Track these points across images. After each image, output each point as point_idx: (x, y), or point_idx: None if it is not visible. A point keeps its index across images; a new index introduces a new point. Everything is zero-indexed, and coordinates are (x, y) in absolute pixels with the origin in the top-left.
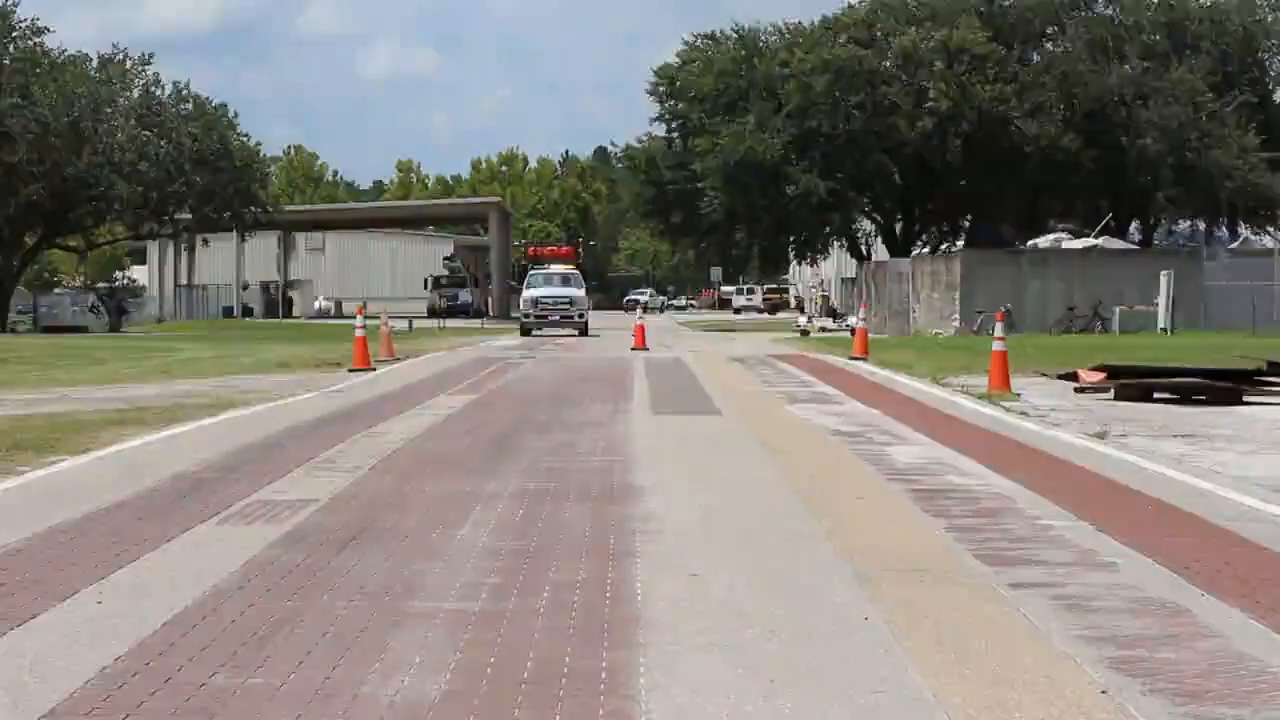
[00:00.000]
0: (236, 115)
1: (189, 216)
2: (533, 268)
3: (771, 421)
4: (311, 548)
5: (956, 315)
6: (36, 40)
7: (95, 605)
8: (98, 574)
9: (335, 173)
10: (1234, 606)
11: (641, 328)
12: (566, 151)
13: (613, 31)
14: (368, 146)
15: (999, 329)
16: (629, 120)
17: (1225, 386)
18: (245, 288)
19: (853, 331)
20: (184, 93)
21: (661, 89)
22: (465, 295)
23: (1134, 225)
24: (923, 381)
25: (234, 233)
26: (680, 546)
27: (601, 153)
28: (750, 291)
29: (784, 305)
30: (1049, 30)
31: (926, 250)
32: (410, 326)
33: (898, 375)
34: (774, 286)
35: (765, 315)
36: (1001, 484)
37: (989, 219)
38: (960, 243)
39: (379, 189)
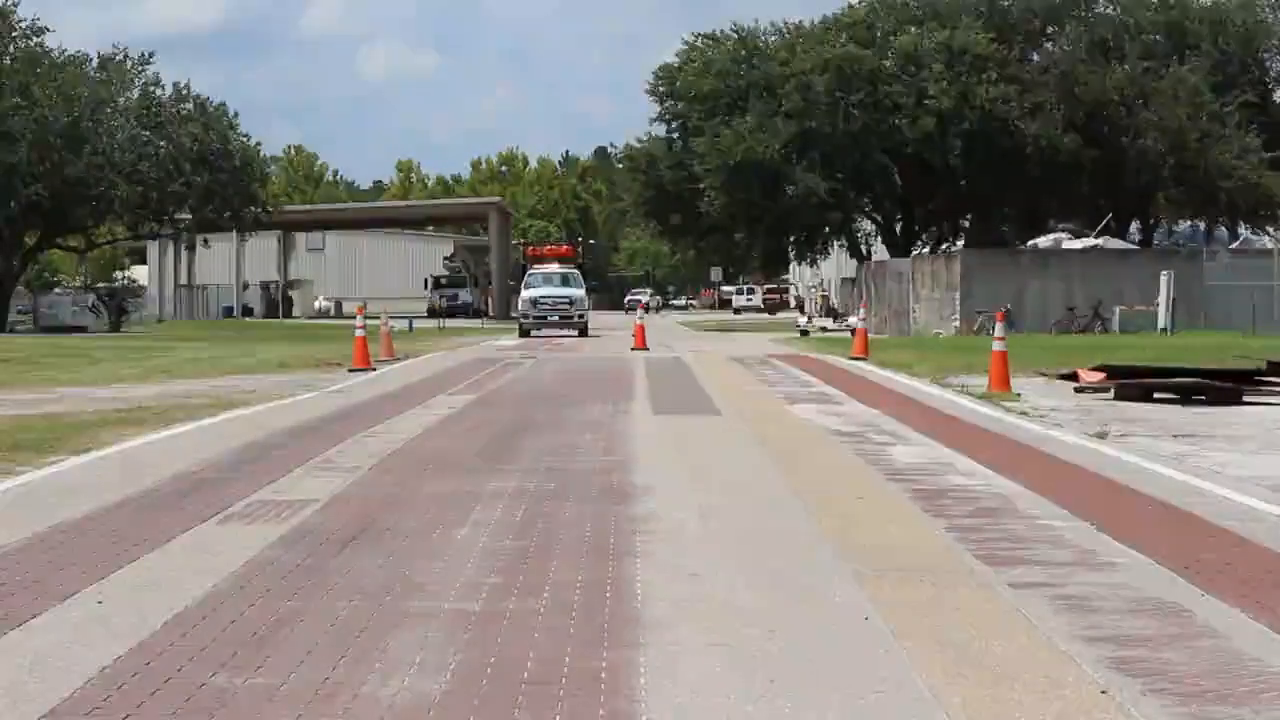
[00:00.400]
0: (236, 115)
1: (189, 216)
2: (532, 267)
3: (772, 422)
4: (311, 548)
5: (956, 315)
6: (36, 40)
7: (95, 605)
8: (98, 574)
9: (335, 173)
10: (1234, 606)
11: (642, 328)
12: (566, 151)
13: (613, 31)
14: (368, 146)
15: (999, 329)
16: (629, 120)
17: (1225, 387)
18: (245, 288)
19: (853, 331)
20: (184, 93)
21: (661, 89)
22: (465, 295)
23: (1134, 225)
24: (923, 381)
25: (234, 233)
26: (680, 546)
27: (601, 153)
28: (750, 291)
29: (784, 305)
30: (1049, 30)
31: (926, 250)
32: (410, 326)
33: (898, 375)
34: (774, 286)
35: (765, 315)
36: (1002, 484)
37: (989, 219)
38: (960, 243)
39: (379, 189)
